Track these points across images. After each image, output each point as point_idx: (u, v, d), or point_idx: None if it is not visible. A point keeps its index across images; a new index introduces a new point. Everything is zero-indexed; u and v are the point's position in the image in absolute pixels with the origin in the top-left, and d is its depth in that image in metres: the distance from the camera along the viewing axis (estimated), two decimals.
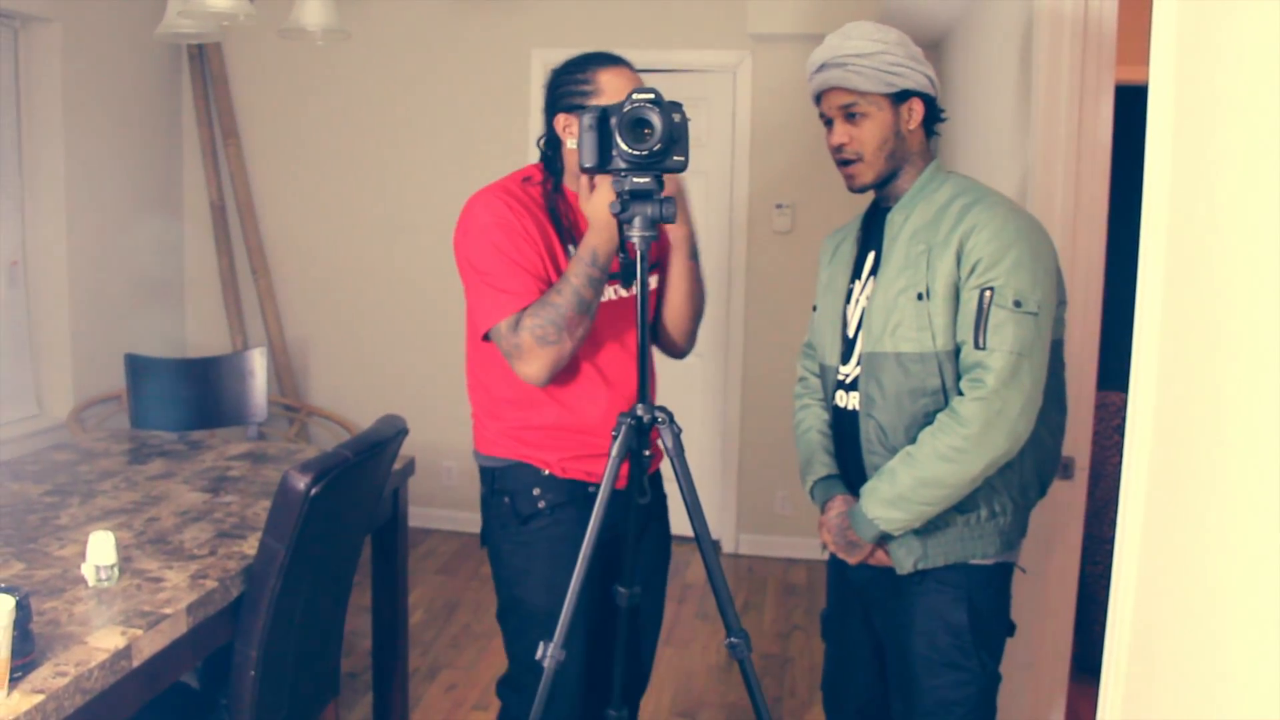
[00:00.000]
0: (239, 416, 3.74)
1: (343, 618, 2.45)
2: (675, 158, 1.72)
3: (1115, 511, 3.59)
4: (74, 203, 4.26)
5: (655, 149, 1.69)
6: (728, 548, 4.93)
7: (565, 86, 2.08)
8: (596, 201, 1.92)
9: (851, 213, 3.11)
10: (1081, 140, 2.57)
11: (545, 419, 2.13)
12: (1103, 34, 2.53)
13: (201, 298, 5.14)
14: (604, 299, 2.10)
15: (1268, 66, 1.11)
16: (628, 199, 1.73)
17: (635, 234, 1.73)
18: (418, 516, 4.76)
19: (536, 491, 2.13)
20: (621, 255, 1.92)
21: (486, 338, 2.08)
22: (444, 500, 4.97)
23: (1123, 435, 3.61)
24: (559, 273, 2.07)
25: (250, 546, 2.16)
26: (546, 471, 2.13)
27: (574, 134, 2.02)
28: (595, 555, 1.89)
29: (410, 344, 5.01)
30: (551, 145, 2.13)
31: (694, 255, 2.18)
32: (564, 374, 2.09)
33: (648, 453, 1.80)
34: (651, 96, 1.70)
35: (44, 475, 2.65)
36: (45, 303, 4.29)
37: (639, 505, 1.85)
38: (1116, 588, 1.57)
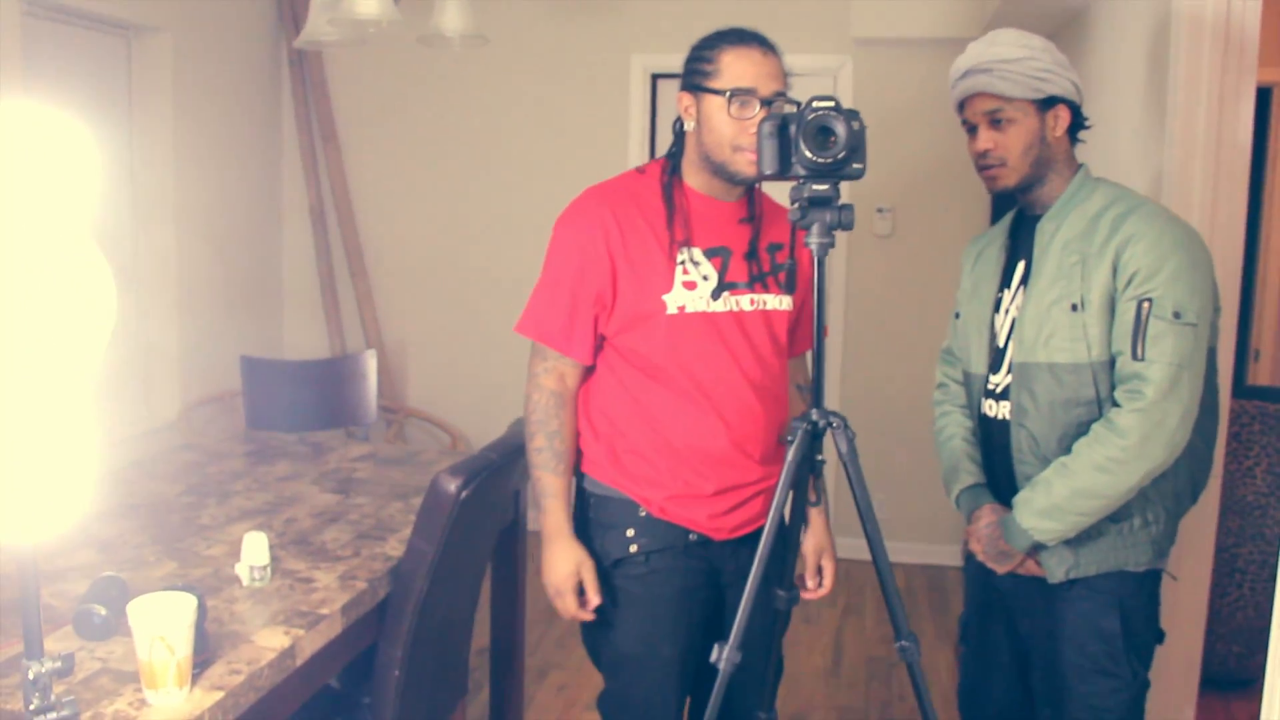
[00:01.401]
0: (350, 418, 3.79)
1: (473, 618, 2.47)
2: (855, 165, 1.70)
3: (1230, 521, 3.52)
4: (182, 208, 4.34)
5: (840, 156, 1.68)
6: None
7: (691, 64, 1.99)
8: (550, 567, 2.00)
9: (953, 217, 3.09)
10: (1220, 144, 2.52)
11: (652, 446, 2.00)
12: (1245, 36, 2.49)
13: (300, 301, 5.21)
14: (725, 310, 1.99)
15: None
16: (807, 206, 1.71)
17: (814, 241, 1.72)
18: (536, 520, 4.79)
19: (631, 533, 2.01)
20: (788, 261, 1.90)
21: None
22: None
23: (1241, 444, 3.52)
24: (663, 266, 1.96)
25: (391, 548, 2.19)
26: (644, 512, 2.01)
27: (692, 115, 1.96)
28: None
29: (508, 348, 5.00)
30: (679, 126, 2.03)
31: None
32: (678, 399, 1.98)
33: (820, 457, 1.78)
34: (833, 105, 1.69)
35: (177, 476, 2.70)
36: (155, 307, 4.37)
37: (804, 509, 1.85)
38: None
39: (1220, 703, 3.36)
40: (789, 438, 1.74)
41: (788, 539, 1.89)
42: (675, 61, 2.11)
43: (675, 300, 1.96)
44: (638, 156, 4.74)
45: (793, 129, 1.71)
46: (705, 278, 1.97)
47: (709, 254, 1.99)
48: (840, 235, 4.67)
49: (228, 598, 1.90)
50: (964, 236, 4.69)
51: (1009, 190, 2.00)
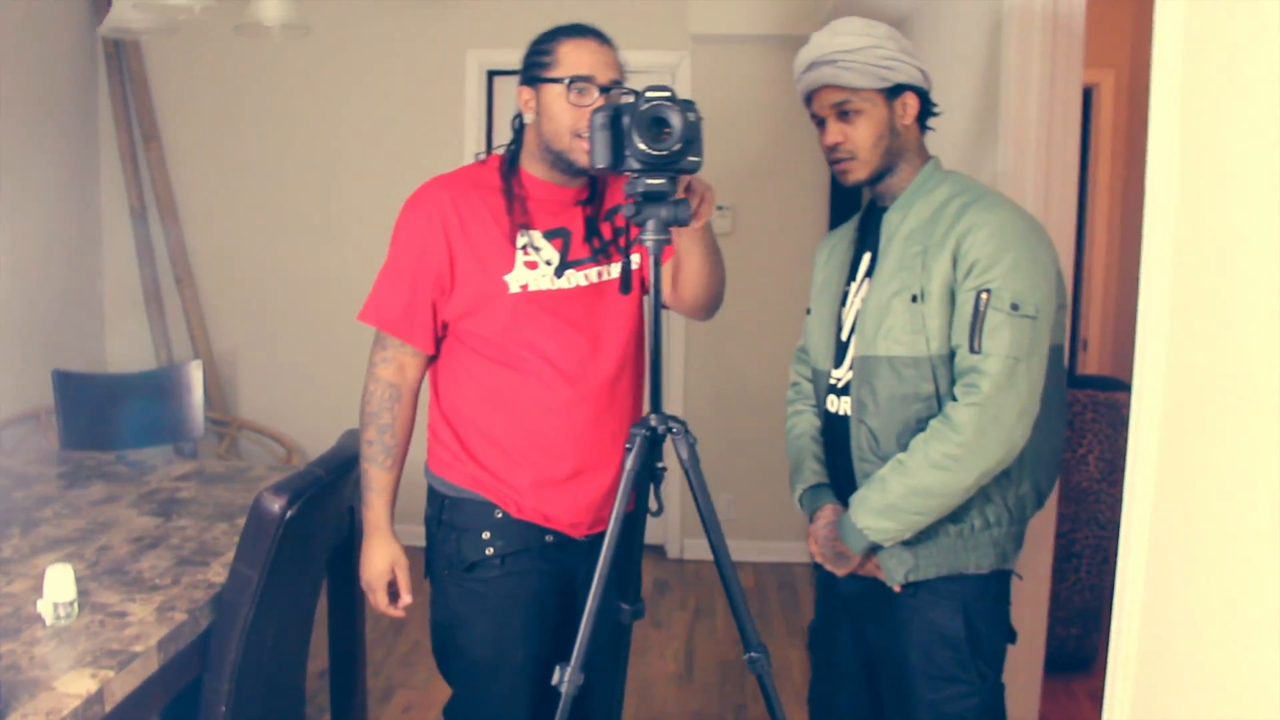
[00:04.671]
0: (175, 434, 3.58)
1: (308, 641, 2.34)
2: (690, 158, 1.65)
3: (1064, 508, 3.61)
4: None
5: (675, 149, 1.62)
6: (672, 553, 4.88)
7: (530, 58, 1.99)
8: (367, 562, 2.04)
9: (794, 214, 3.09)
10: (1051, 142, 2.57)
11: (504, 431, 1.98)
12: (1072, 34, 2.54)
13: (123, 309, 4.91)
14: (569, 285, 1.98)
15: (1271, 59, 1.09)
16: (641, 201, 1.65)
17: (649, 238, 1.66)
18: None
19: (486, 535, 1.98)
20: (622, 258, 1.84)
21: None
22: (400, 516, 4.83)
23: (1073, 431, 3.62)
24: (503, 249, 1.95)
25: (214, 574, 2.05)
26: (500, 513, 1.98)
27: (531, 107, 1.96)
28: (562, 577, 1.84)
29: (344, 354, 4.82)
30: (519, 121, 2.04)
31: (710, 229, 2.03)
32: (525, 379, 1.97)
33: (661, 464, 1.73)
34: (668, 95, 1.63)
35: None
36: None
37: (642, 520, 1.78)
38: (1122, 588, 1.54)
39: (1062, 684, 3.45)
40: (627, 445, 1.68)
41: (630, 551, 1.83)
42: (512, 58, 2.10)
43: (517, 279, 1.96)
44: (474, 154, 4.63)
45: (626, 120, 1.65)
46: (548, 261, 1.98)
47: (549, 236, 2.00)
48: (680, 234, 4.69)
49: (28, 639, 1.73)
50: (805, 232, 4.75)
51: (861, 183, 1.96)
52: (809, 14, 4.30)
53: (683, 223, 1.66)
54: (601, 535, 1.83)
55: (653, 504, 1.78)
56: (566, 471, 1.99)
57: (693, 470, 1.69)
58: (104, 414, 3.44)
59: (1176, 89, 1.32)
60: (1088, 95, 5.00)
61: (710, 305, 2.13)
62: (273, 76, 4.74)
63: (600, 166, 1.67)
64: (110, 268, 4.91)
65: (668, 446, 1.74)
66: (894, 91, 1.91)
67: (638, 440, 1.68)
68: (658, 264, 1.68)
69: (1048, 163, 2.57)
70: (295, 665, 2.27)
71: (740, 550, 4.75)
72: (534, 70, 1.96)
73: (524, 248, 1.97)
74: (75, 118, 4.68)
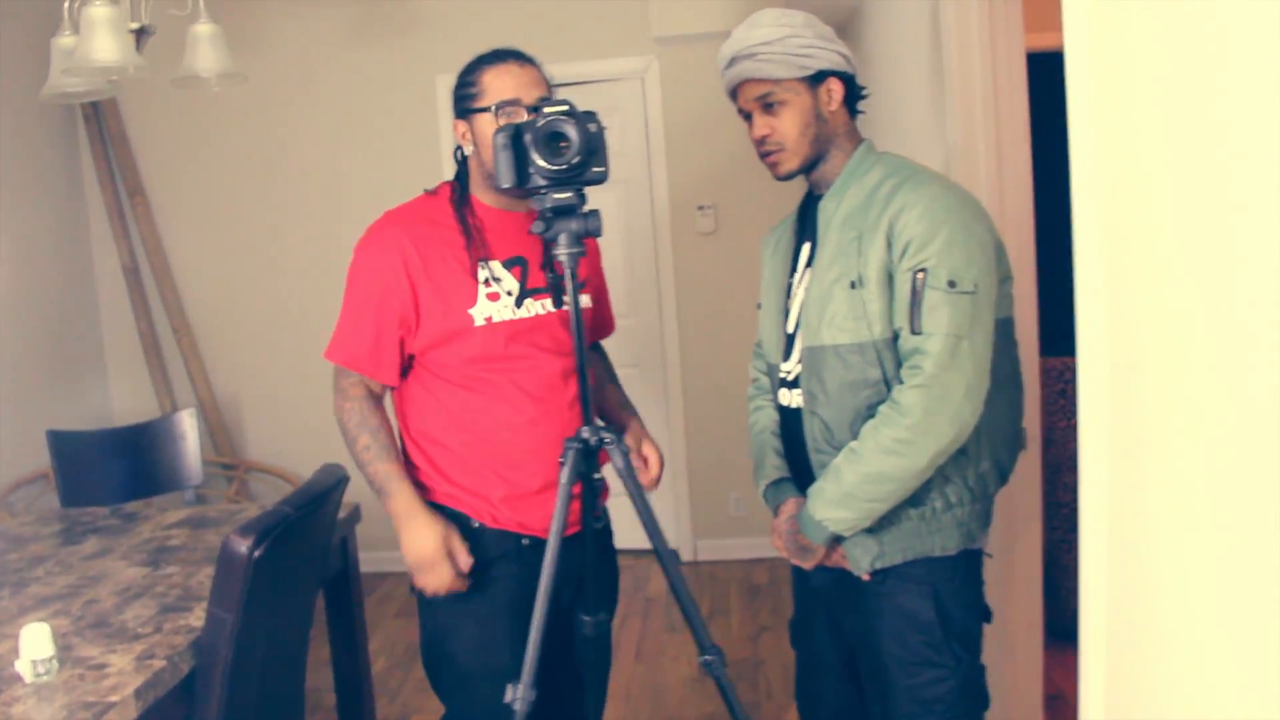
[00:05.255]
0: (174, 482, 3.62)
1: (303, 678, 2.36)
2: (595, 169, 1.66)
3: (1067, 476, 3.60)
4: None
5: (574, 162, 1.63)
6: (685, 556, 4.88)
7: (459, 90, 2.05)
8: (413, 544, 2.01)
9: (775, 206, 3.08)
10: (999, 109, 2.56)
11: (474, 451, 2.04)
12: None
13: (124, 364, 4.99)
14: (529, 315, 2.05)
15: (1181, 23, 1.09)
16: (551, 217, 1.66)
17: (562, 252, 1.67)
18: (370, 561, 4.62)
19: (467, 546, 2.03)
20: (550, 274, 1.86)
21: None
22: (395, 542, 4.85)
23: (1068, 400, 3.62)
24: (465, 283, 2.01)
25: (196, 618, 2.07)
26: (476, 524, 2.04)
27: (469, 140, 2.01)
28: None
29: None
30: (460, 153, 2.09)
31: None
32: (492, 402, 2.02)
33: (598, 475, 1.73)
34: (565, 108, 1.64)
35: None
36: None
37: (594, 530, 1.78)
38: (1085, 559, 1.54)
39: (1075, 655, 3.41)
40: (561, 459, 1.69)
41: (585, 563, 1.84)
42: None
43: (481, 312, 2.00)
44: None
45: (527, 138, 1.67)
46: (509, 292, 2.02)
47: (508, 265, 2.04)
48: (664, 234, 4.71)
49: (8, 699, 1.76)
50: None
51: (794, 173, 1.96)
52: (768, 5, 4.29)
53: (594, 234, 1.66)
54: (577, 536, 1.84)
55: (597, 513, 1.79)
56: (537, 485, 2.02)
57: (629, 477, 1.69)
58: (101, 469, 3.48)
59: (1087, 52, 1.33)
60: (1059, 60, 4.97)
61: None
62: (250, 120, 4.79)
63: (506, 186, 1.69)
64: (108, 323, 4.98)
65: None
66: (817, 79, 1.91)
67: (571, 453, 1.69)
68: (574, 277, 1.69)
69: (998, 132, 2.56)
70: (288, 703, 2.29)
71: (751, 548, 4.78)
72: (463, 103, 2.02)
73: (485, 280, 2.01)
74: (61, 179, 4.75)
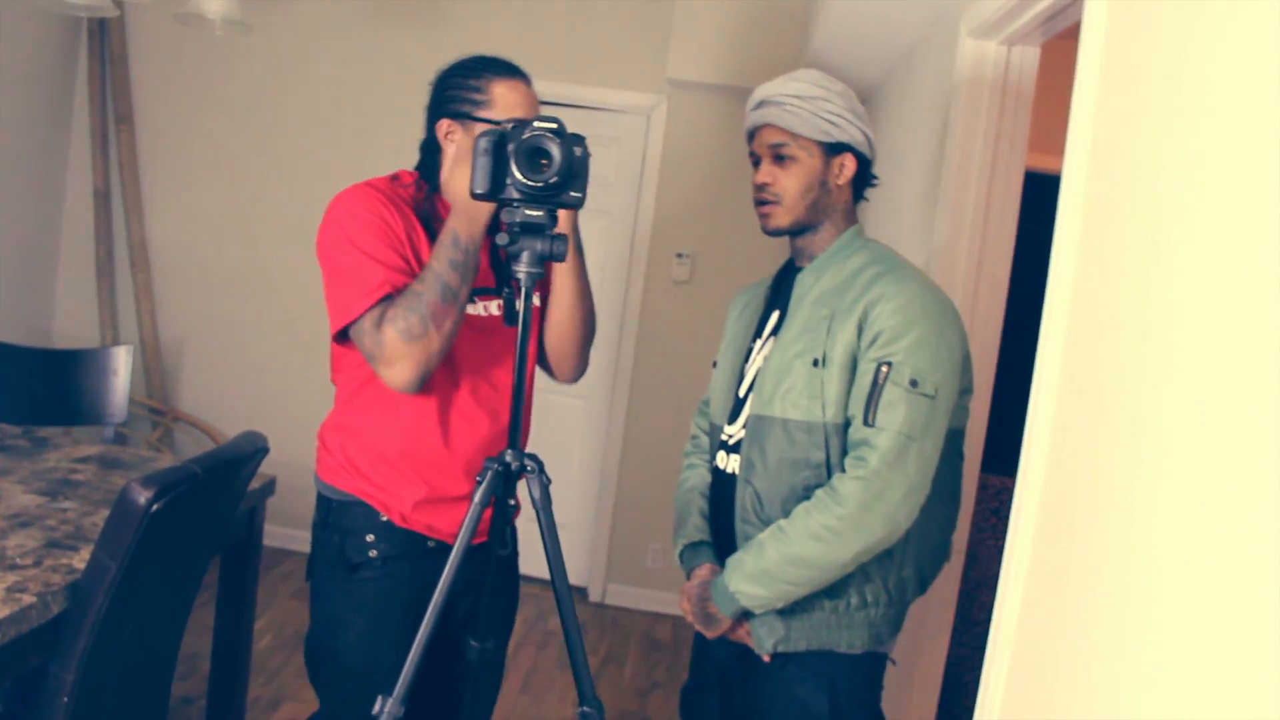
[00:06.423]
0: (96, 416, 3.54)
1: (178, 641, 2.29)
2: (572, 193, 1.63)
3: (985, 595, 3.59)
4: None
5: (552, 181, 1.60)
6: (594, 596, 4.83)
7: (455, 90, 1.96)
8: (456, 183, 1.86)
9: (752, 269, 3.09)
10: (989, 220, 2.58)
11: (397, 445, 1.95)
12: (1019, 110, 2.55)
13: (75, 288, 4.89)
14: (483, 313, 1.98)
15: (1178, 164, 1.09)
16: (517, 231, 1.63)
17: (522, 270, 1.63)
18: (278, 537, 4.57)
19: (370, 538, 1.97)
20: (506, 290, 1.81)
21: (345, 338, 1.91)
22: (305, 521, 4.78)
23: (1000, 520, 3.61)
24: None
25: (81, 560, 2.01)
26: (385, 517, 1.97)
27: (455, 141, 1.94)
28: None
29: (288, 358, 4.83)
30: (430, 150, 2.00)
31: (582, 275, 2.05)
32: (436, 397, 1.95)
33: (513, 502, 1.69)
34: (554, 126, 1.61)
35: None
36: None
37: (497, 556, 1.74)
38: (987, 678, 1.53)
39: None
40: (478, 477, 1.65)
41: (481, 586, 1.79)
42: None
43: None
44: None
45: (510, 147, 1.63)
46: None
47: None
48: (638, 273, 4.69)
49: None
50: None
51: (782, 231, 1.94)
52: (786, 68, 4.32)
53: (558, 258, 1.63)
54: (484, 546, 1.80)
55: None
56: (458, 493, 1.98)
57: (544, 511, 1.64)
58: (25, 387, 3.39)
59: (1082, 181, 1.34)
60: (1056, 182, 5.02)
61: (575, 355, 2.11)
62: (251, 72, 4.73)
63: (479, 193, 1.64)
64: (68, 245, 4.89)
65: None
66: (835, 149, 1.90)
67: (489, 473, 1.65)
68: (529, 297, 1.65)
69: (983, 242, 2.57)
70: (160, 667, 2.21)
71: (661, 601, 4.77)
72: (464, 106, 1.94)
73: None
74: (51, 93, 4.67)
